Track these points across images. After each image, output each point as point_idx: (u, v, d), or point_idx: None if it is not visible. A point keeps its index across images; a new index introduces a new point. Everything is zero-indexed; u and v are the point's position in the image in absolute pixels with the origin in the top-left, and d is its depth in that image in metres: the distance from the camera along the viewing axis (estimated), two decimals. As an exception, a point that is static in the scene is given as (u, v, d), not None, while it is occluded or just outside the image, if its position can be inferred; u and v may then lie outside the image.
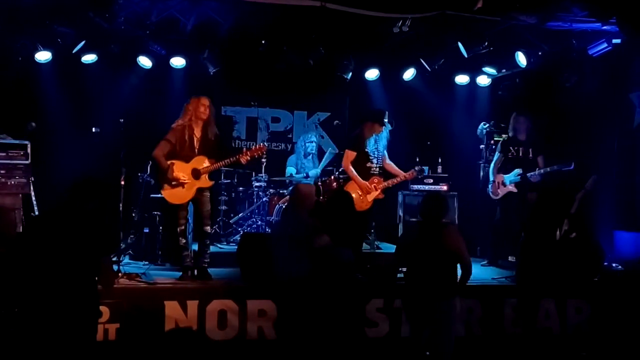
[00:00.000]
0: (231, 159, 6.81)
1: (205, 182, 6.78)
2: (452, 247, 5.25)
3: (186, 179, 6.69)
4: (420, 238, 5.37)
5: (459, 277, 5.35)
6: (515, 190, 7.98)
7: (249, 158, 6.89)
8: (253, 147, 7.19)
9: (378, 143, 7.65)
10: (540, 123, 8.62)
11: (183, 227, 6.83)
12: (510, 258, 8.34)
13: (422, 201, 5.58)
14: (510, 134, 8.26)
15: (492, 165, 8.29)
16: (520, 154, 8.11)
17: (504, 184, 8.05)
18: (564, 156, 8.22)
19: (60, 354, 4.16)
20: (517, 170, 7.92)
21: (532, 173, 7.85)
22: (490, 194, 8.23)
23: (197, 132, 6.80)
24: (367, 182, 7.54)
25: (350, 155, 7.58)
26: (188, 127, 6.76)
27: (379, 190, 7.59)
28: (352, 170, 7.55)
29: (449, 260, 5.26)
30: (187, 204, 6.85)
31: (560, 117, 9.19)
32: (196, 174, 6.72)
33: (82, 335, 4.26)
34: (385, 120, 7.60)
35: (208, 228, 6.92)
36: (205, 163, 6.74)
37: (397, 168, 7.87)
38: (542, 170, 7.83)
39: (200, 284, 6.64)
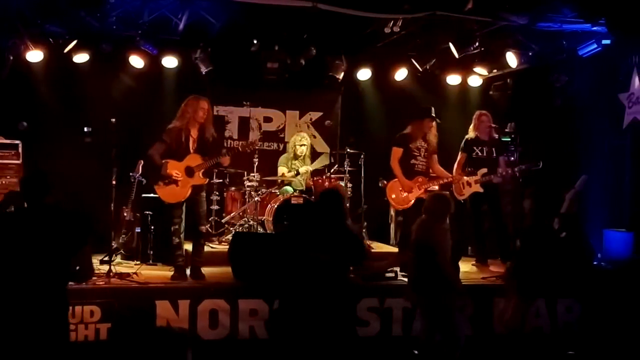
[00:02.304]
0: (216, 159, 6.87)
1: (199, 179, 6.80)
2: (433, 244, 5.32)
3: (179, 176, 6.70)
4: (417, 234, 5.46)
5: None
6: (481, 190, 7.89)
7: (229, 157, 6.97)
8: (243, 142, 7.23)
9: (425, 140, 7.57)
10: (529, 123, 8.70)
11: (177, 227, 6.84)
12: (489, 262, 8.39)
13: (428, 199, 5.69)
14: (473, 134, 8.16)
15: (455, 165, 8.16)
16: (484, 154, 8.03)
17: (468, 184, 7.94)
18: (551, 157, 8.30)
19: (31, 355, 4.08)
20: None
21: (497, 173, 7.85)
22: (455, 194, 8.04)
23: (194, 133, 6.83)
24: (410, 182, 7.42)
25: (396, 152, 7.49)
26: (185, 130, 6.77)
27: (422, 190, 7.44)
28: (398, 168, 7.46)
29: (427, 254, 5.33)
30: (182, 203, 6.84)
31: (550, 117, 9.23)
32: (190, 171, 6.74)
33: (52, 335, 4.14)
34: (433, 115, 7.55)
35: (203, 228, 6.97)
36: (198, 161, 6.76)
37: (443, 170, 7.81)
38: (503, 172, 7.83)
39: (191, 284, 6.66)
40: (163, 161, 6.70)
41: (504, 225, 8.12)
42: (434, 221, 5.45)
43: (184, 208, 6.91)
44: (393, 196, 7.66)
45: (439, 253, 5.32)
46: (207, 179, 7.00)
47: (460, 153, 8.13)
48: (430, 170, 7.79)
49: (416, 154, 7.53)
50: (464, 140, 8.18)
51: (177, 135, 6.75)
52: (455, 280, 5.51)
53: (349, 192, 8.73)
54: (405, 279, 6.47)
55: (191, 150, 6.80)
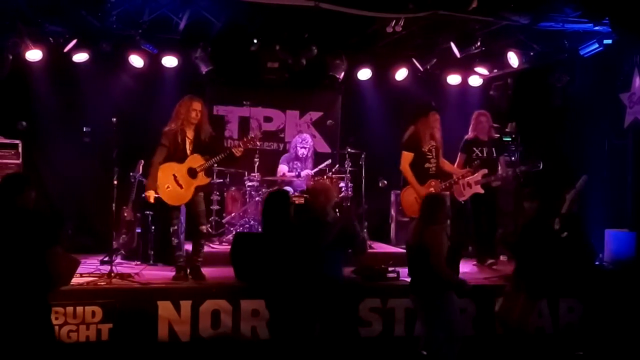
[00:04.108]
0: (225, 153, 6.85)
1: (202, 179, 6.80)
2: (428, 245, 5.33)
3: (183, 183, 6.70)
4: (413, 236, 5.45)
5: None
6: (482, 191, 7.76)
7: (242, 149, 6.92)
8: (245, 138, 7.21)
9: (433, 139, 7.47)
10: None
11: (176, 227, 6.82)
12: (502, 258, 8.37)
13: (422, 200, 5.69)
14: (472, 134, 8.11)
15: (454, 166, 8.04)
16: (484, 154, 7.95)
17: (469, 186, 7.79)
18: (552, 157, 8.28)
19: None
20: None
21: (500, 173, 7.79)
22: (455, 196, 7.89)
23: (190, 134, 6.83)
24: (424, 188, 7.28)
25: (407, 156, 7.36)
26: (180, 131, 6.77)
27: None
28: (411, 175, 7.33)
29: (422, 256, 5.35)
30: (181, 205, 6.84)
31: (551, 117, 9.22)
32: (192, 172, 6.73)
33: (28, 338, 4.11)
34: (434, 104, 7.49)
35: (203, 228, 6.94)
36: (200, 161, 6.75)
37: (451, 165, 7.70)
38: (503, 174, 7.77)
39: (193, 284, 6.63)
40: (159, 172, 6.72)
41: (495, 225, 8.08)
42: (428, 223, 5.44)
43: (181, 209, 6.90)
44: (408, 204, 7.48)
45: (432, 254, 5.31)
46: (210, 179, 6.99)
47: (459, 154, 8.07)
48: (441, 167, 7.67)
49: (429, 156, 7.42)
50: (463, 141, 8.14)
51: (174, 137, 6.75)
52: (452, 280, 5.47)
53: (350, 192, 8.72)
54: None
55: (188, 152, 6.80)
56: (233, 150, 6.85)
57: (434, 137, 7.52)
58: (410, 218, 7.73)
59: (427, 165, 7.43)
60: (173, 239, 6.84)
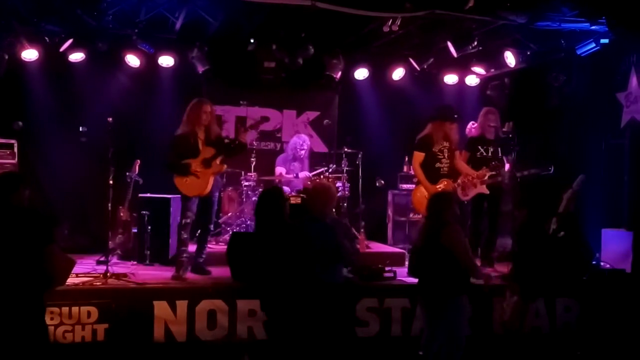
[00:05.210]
0: (234, 141, 6.92)
1: (217, 167, 6.88)
2: (450, 246, 5.24)
3: (199, 171, 6.76)
4: (423, 237, 5.40)
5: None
6: (487, 192, 7.61)
7: (245, 132, 7.06)
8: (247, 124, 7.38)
9: (448, 140, 7.37)
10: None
11: (189, 221, 6.83)
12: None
13: (429, 200, 5.65)
14: (478, 132, 7.99)
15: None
16: (489, 154, 7.79)
17: (474, 185, 7.58)
18: (549, 156, 8.26)
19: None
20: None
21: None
22: (459, 195, 7.61)
23: (201, 135, 6.90)
24: (434, 187, 7.20)
25: (418, 156, 7.33)
26: (192, 133, 6.84)
27: None
28: (421, 174, 7.30)
29: (449, 259, 5.25)
30: (197, 199, 6.85)
31: (548, 116, 9.22)
32: (207, 162, 6.79)
33: (22, 338, 4.10)
34: (456, 116, 7.42)
35: (212, 226, 7.11)
36: (212, 151, 6.82)
37: (467, 167, 7.60)
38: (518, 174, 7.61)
39: (190, 284, 6.62)
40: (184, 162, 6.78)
41: (496, 227, 8.03)
42: (439, 223, 5.35)
43: (197, 205, 6.91)
44: (419, 203, 7.38)
45: (460, 255, 5.23)
46: (225, 166, 7.12)
47: (463, 151, 7.82)
48: (457, 167, 7.56)
49: (440, 156, 7.33)
50: (468, 139, 8.08)
51: (186, 140, 6.82)
52: (480, 274, 5.62)
53: (347, 192, 8.71)
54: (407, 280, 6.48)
55: (201, 150, 6.86)
56: (239, 138, 6.92)
57: (449, 138, 7.37)
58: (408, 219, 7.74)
59: (438, 165, 7.33)
60: (182, 233, 6.85)
